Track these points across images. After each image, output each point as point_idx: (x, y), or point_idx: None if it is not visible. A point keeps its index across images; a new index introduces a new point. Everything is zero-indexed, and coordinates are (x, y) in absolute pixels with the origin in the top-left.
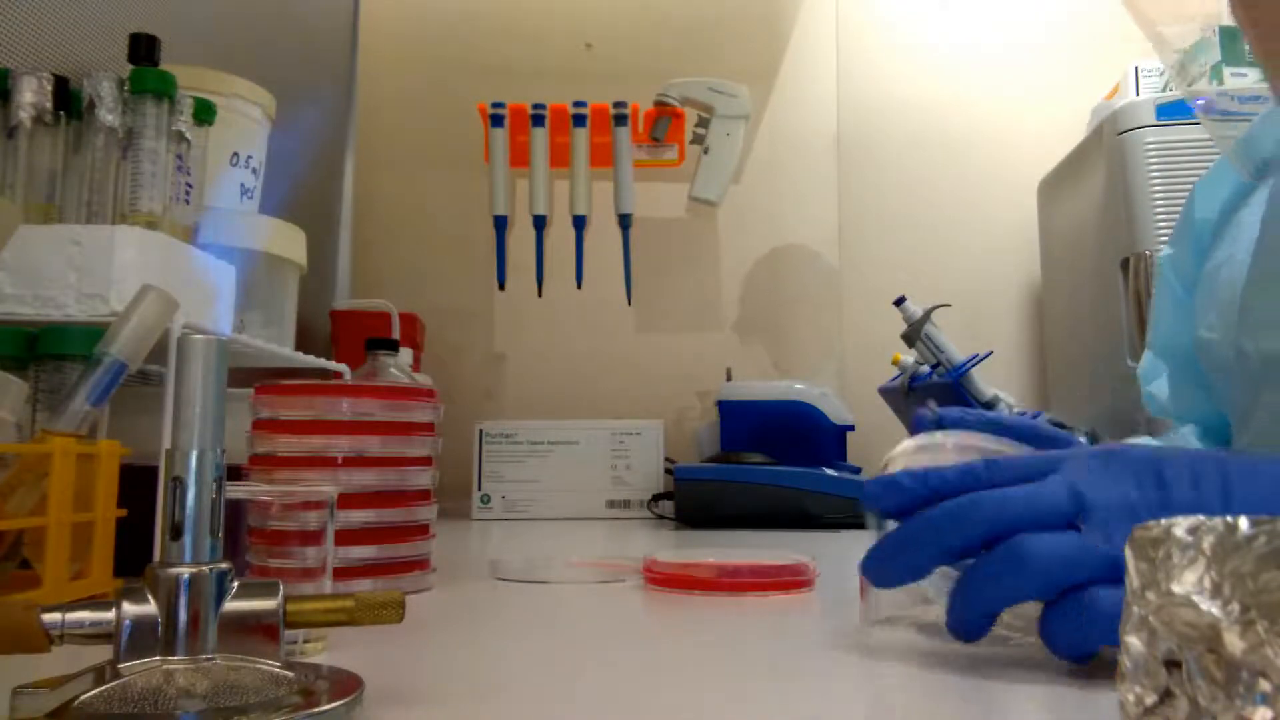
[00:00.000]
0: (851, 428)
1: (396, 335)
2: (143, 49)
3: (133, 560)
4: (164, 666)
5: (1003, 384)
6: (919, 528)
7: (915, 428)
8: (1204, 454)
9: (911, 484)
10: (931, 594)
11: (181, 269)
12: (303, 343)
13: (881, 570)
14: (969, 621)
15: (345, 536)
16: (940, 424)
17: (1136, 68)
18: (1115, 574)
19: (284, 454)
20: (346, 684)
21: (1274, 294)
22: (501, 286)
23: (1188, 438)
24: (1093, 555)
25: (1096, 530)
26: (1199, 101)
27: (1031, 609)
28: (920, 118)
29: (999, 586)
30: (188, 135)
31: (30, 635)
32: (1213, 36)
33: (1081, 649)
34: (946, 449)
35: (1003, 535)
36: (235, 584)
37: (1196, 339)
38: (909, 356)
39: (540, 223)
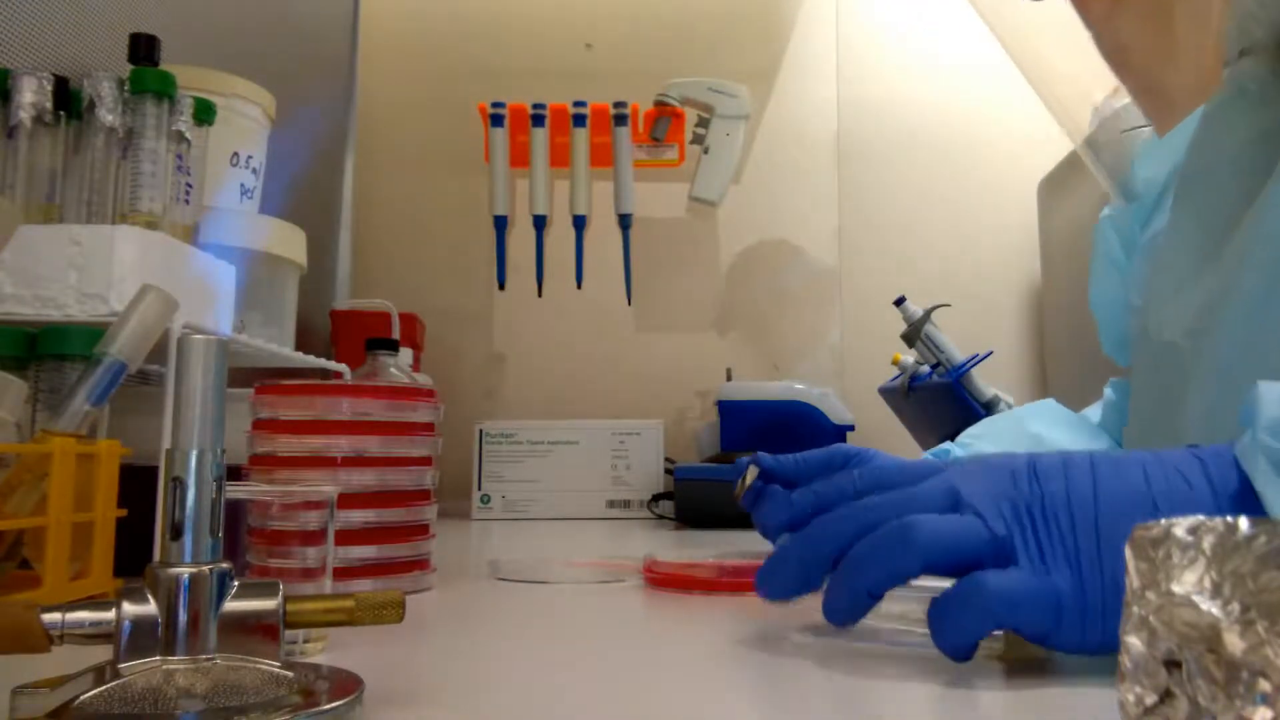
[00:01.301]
0: (851, 428)
1: (396, 335)
2: (143, 49)
3: (133, 560)
4: (164, 666)
5: (1003, 384)
6: (799, 543)
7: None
8: (1076, 453)
9: (796, 501)
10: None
11: (181, 269)
12: (303, 343)
13: (770, 586)
14: (852, 600)
15: (345, 536)
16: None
17: None
18: (999, 554)
19: (284, 454)
20: (346, 684)
21: (1176, 284)
22: (501, 286)
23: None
24: (977, 532)
25: (973, 516)
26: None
27: (920, 609)
28: (920, 117)
29: (886, 562)
30: (188, 135)
31: (30, 635)
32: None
33: (969, 634)
34: None
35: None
36: (235, 584)
37: (1130, 303)
38: (909, 356)
39: (540, 223)
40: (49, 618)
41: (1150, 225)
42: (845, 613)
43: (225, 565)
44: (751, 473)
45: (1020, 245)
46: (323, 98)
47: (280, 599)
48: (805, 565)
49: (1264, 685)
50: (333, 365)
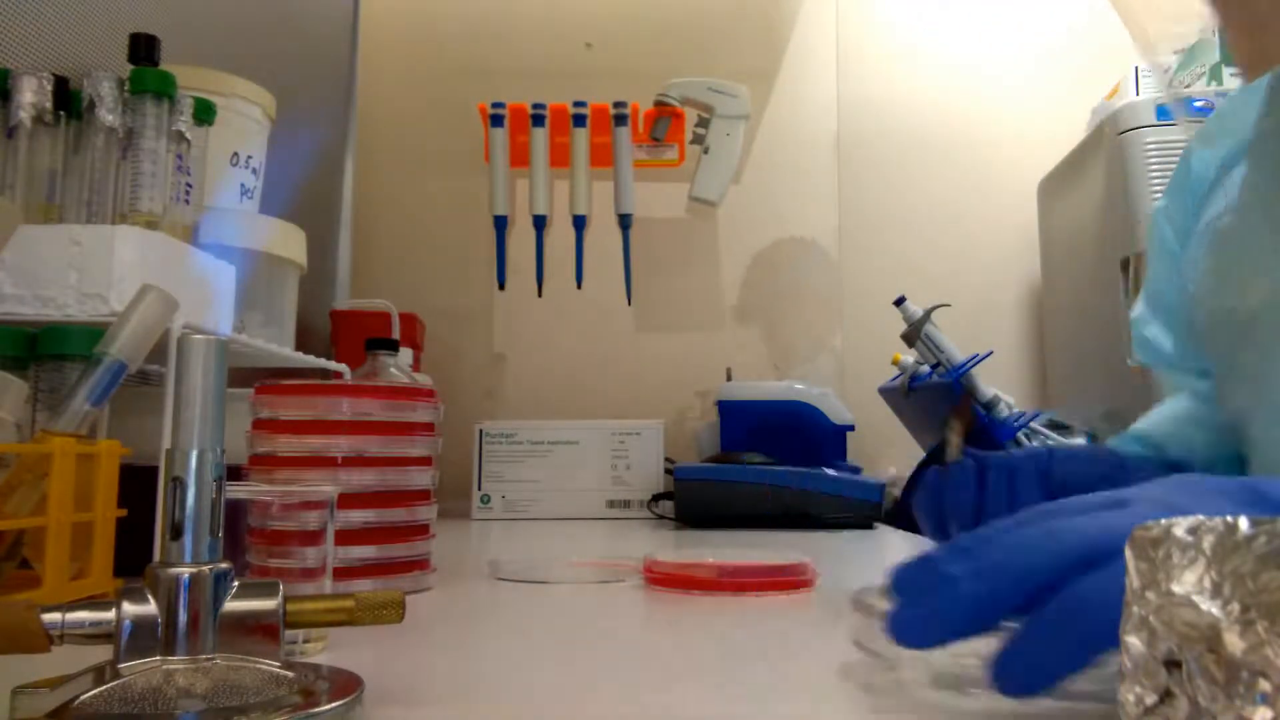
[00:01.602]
0: (851, 427)
1: (396, 335)
2: (143, 49)
3: (133, 560)
4: (164, 666)
5: (1003, 384)
6: (976, 573)
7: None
8: None
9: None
10: None
11: (181, 269)
12: (303, 343)
13: (917, 630)
14: (1069, 666)
15: (345, 536)
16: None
17: (1137, 68)
18: None
19: (284, 454)
20: (346, 684)
21: (1256, 253)
22: (501, 286)
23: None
24: None
25: None
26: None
27: None
28: (920, 117)
29: (1066, 649)
30: (188, 135)
31: (30, 635)
32: (1212, 37)
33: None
34: None
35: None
36: (235, 584)
37: (1188, 291)
38: (909, 356)
39: (540, 223)
40: (49, 618)
41: (1204, 212)
42: (1044, 684)
43: (225, 565)
44: (958, 430)
45: (1020, 245)
46: (323, 98)
47: (280, 599)
48: (984, 600)
49: (1264, 685)
50: (333, 365)
